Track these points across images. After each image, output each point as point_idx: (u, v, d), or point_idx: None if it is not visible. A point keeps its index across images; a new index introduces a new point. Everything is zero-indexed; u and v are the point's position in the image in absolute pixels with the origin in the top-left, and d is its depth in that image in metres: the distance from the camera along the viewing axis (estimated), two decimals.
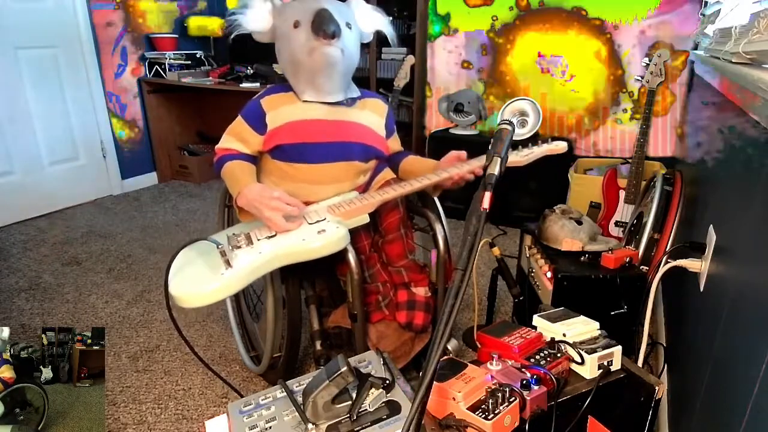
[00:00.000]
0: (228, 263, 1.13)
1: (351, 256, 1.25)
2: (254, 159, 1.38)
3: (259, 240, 1.20)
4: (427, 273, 1.46)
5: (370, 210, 1.29)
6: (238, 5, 1.33)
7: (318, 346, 1.43)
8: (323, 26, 1.22)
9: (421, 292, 1.43)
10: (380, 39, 1.44)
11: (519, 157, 1.32)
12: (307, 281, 1.49)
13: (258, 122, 1.33)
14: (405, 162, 1.50)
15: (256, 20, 1.32)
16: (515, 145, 1.32)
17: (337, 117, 1.35)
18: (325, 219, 1.25)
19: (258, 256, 1.16)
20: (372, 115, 1.42)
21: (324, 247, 1.19)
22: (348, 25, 1.30)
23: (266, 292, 1.30)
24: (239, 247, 1.18)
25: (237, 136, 1.35)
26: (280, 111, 1.33)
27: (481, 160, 1.28)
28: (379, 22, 1.43)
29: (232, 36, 1.33)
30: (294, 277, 1.35)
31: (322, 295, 1.52)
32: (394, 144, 1.51)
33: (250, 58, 3.34)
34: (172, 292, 1.13)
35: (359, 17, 1.38)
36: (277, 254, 1.17)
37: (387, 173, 1.47)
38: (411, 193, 1.33)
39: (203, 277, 1.13)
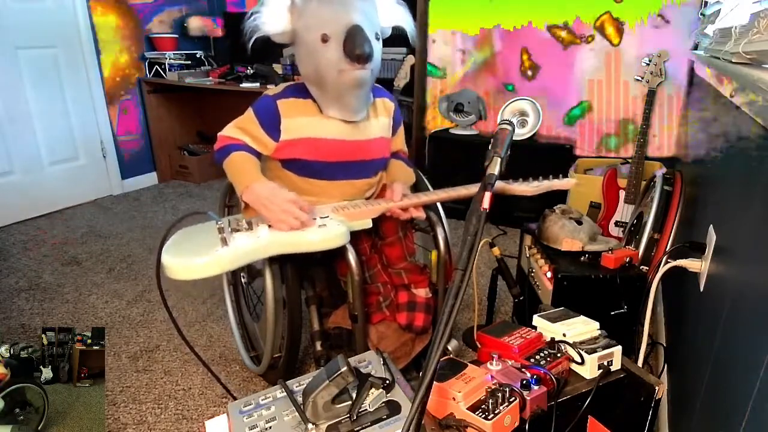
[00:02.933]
0: (224, 241, 1.12)
1: (351, 256, 1.24)
2: (260, 154, 1.32)
3: (259, 226, 1.19)
4: (427, 274, 1.45)
5: (373, 215, 1.28)
6: (256, 5, 1.23)
7: (318, 347, 1.42)
8: (357, 50, 1.13)
9: (421, 293, 1.43)
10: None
11: (529, 188, 1.36)
12: (307, 281, 1.49)
13: (272, 126, 1.26)
14: (390, 161, 1.47)
15: (274, 21, 1.21)
16: (526, 176, 1.37)
17: (356, 136, 1.31)
18: (327, 217, 1.24)
19: (255, 240, 1.15)
20: (384, 120, 1.39)
21: (322, 241, 1.17)
22: (377, 36, 1.22)
23: (266, 293, 1.30)
24: (239, 231, 1.17)
25: (247, 133, 1.28)
26: (297, 121, 1.26)
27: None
28: (400, 17, 1.32)
29: (252, 40, 1.22)
30: (294, 277, 1.35)
31: (323, 295, 1.52)
32: (395, 144, 1.48)
33: (250, 58, 3.34)
34: (163, 261, 1.11)
35: (380, 11, 1.27)
36: (275, 241, 1.17)
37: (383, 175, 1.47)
38: (418, 205, 1.33)
39: (196, 251, 1.12)
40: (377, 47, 1.21)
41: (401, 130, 1.50)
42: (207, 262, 1.10)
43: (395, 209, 1.31)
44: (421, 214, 1.34)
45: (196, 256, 1.11)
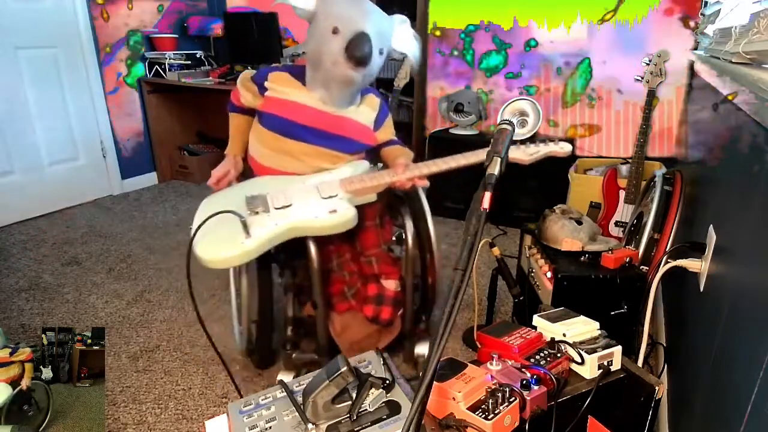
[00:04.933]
0: (247, 232, 1.21)
1: (311, 245, 1.31)
2: (254, 112, 1.47)
3: (276, 209, 1.28)
4: (399, 266, 1.49)
5: (379, 190, 1.36)
6: None
7: (288, 332, 1.49)
8: (356, 53, 1.24)
9: (391, 285, 1.46)
10: None
11: (525, 156, 1.35)
12: (288, 270, 1.52)
13: (260, 84, 1.41)
14: (383, 150, 1.54)
15: None
16: (522, 141, 1.36)
17: (332, 110, 1.39)
18: (337, 195, 1.30)
19: (274, 228, 1.24)
20: (366, 110, 1.46)
21: (332, 227, 1.27)
22: (381, 51, 1.33)
23: (241, 276, 1.39)
24: (256, 213, 1.26)
25: (245, 85, 1.45)
26: (281, 88, 1.39)
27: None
28: (411, 47, 1.43)
29: (275, 3, 1.39)
30: (267, 264, 1.44)
31: (303, 284, 1.52)
32: (383, 134, 1.53)
33: (250, 58, 3.34)
34: (198, 252, 1.21)
35: (397, 35, 1.39)
36: (291, 227, 1.26)
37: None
38: (426, 175, 1.36)
39: (226, 244, 1.22)
40: (377, 59, 1.33)
41: (389, 121, 1.55)
42: (235, 255, 1.21)
43: (401, 180, 1.35)
44: (425, 183, 1.39)
45: (226, 250, 1.21)
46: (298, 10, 1.34)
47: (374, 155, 1.56)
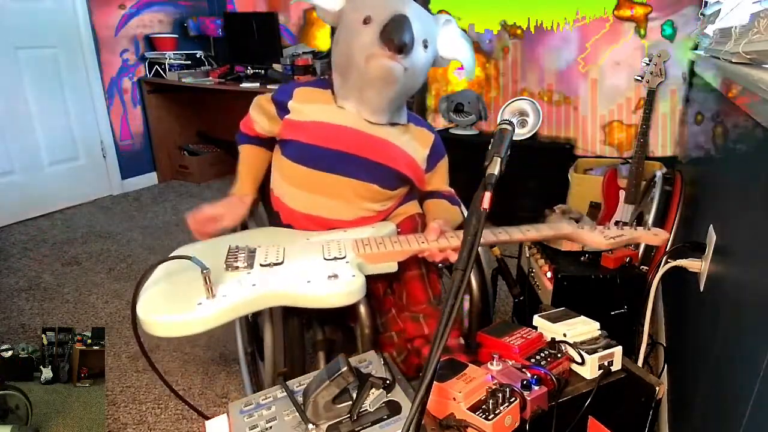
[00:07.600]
0: (210, 291, 0.92)
1: (362, 308, 1.06)
2: (272, 141, 1.28)
3: (261, 266, 1.03)
4: (455, 324, 1.18)
5: (401, 258, 1.08)
6: None
7: None
8: (393, 35, 1.02)
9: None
10: None
11: (602, 239, 1.14)
12: (316, 323, 1.27)
13: (281, 105, 1.21)
14: (426, 203, 1.32)
15: None
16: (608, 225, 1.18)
17: (369, 131, 1.17)
18: (344, 258, 1.05)
19: (250, 290, 0.96)
20: (415, 144, 1.24)
21: (329, 297, 0.97)
22: (425, 43, 1.13)
23: (265, 333, 1.10)
24: (236, 268, 1.01)
25: (261, 108, 1.26)
26: (308, 106, 1.19)
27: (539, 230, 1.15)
28: (462, 51, 1.23)
29: (292, 2, 1.22)
30: (297, 317, 1.14)
31: (333, 338, 1.28)
32: (434, 180, 1.31)
33: (250, 59, 3.34)
34: (138, 312, 0.93)
35: (442, 39, 1.20)
36: (274, 293, 0.98)
37: (411, 206, 1.31)
38: (459, 248, 1.07)
39: (175, 304, 0.93)
40: (420, 55, 1.12)
41: (443, 166, 1.33)
42: (187, 321, 0.91)
43: (431, 250, 1.08)
44: None
45: (174, 312, 0.92)
46: (320, 11, 1.16)
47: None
